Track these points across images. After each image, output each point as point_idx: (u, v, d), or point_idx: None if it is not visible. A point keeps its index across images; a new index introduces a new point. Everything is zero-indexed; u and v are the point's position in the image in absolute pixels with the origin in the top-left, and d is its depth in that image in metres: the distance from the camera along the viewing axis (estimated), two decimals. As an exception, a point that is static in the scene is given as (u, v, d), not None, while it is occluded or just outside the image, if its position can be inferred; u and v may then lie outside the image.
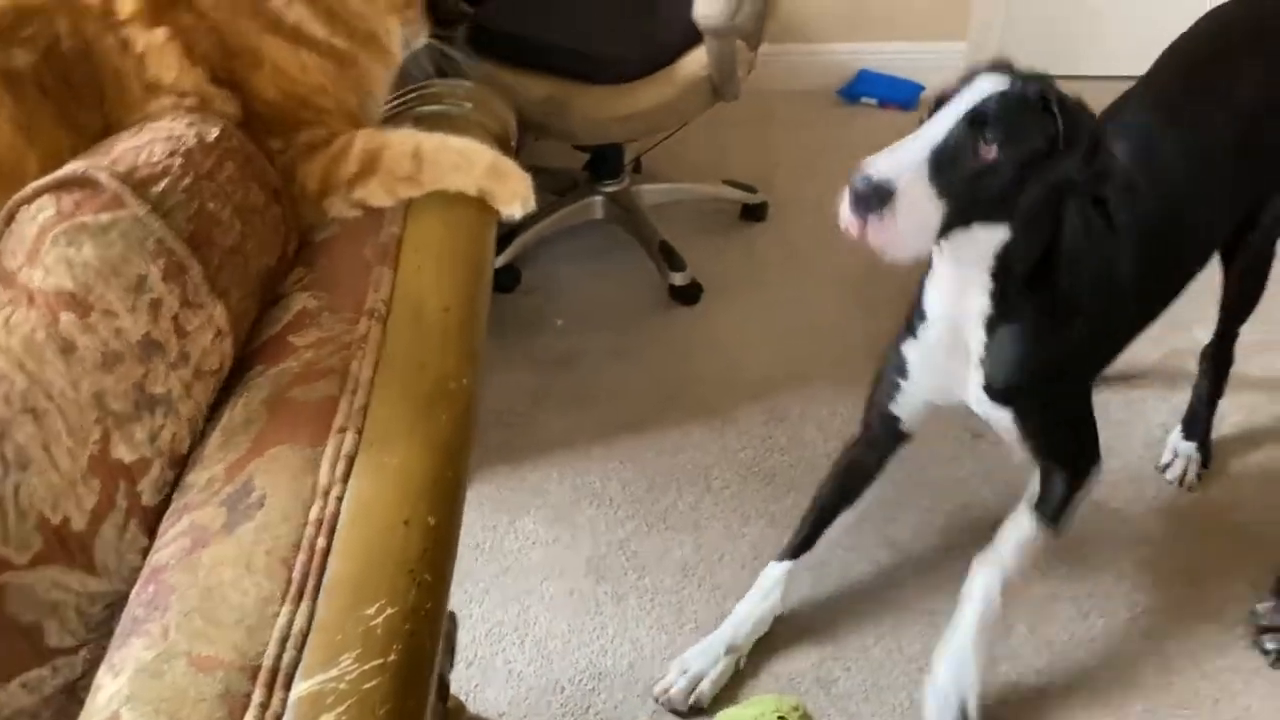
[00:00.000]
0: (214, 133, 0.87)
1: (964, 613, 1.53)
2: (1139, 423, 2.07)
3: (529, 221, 2.37)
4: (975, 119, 1.24)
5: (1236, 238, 1.77)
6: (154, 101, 0.96)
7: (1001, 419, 1.52)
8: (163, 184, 0.79)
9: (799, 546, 1.70)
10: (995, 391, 1.48)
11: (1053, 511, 1.56)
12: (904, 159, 1.23)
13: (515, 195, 1.00)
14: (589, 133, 2.32)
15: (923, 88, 3.17)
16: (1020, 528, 1.56)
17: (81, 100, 0.94)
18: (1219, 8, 1.79)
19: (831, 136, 3.02)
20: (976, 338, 1.45)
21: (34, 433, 0.74)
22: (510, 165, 1.00)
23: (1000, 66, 1.33)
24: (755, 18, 2.33)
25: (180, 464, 0.81)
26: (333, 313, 0.86)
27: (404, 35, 1.10)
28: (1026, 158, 1.27)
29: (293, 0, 1.01)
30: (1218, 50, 1.72)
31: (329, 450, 0.77)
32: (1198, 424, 1.98)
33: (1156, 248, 1.53)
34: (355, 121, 1.04)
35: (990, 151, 1.24)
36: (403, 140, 0.99)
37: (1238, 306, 1.89)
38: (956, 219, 1.27)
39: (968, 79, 1.31)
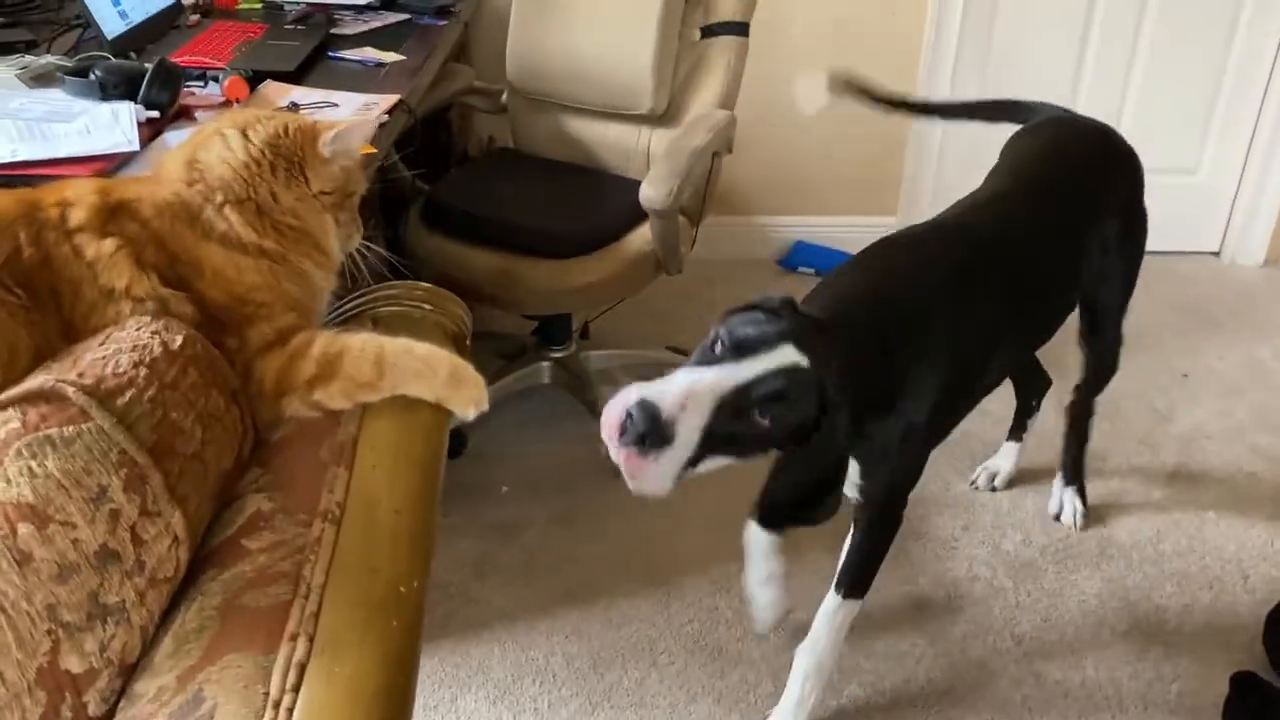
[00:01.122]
0: (178, 340, 0.90)
1: (789, 688, 1.80)
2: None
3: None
4: (759, 393, 1.25)
5: (1087, 331, 2.08)
6: (110, 307, 0.99)
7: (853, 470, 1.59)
8: (128, 395, 0.81)
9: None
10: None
11: (856, 583, 1.74)
12: (692, 406, 1.20)
13: (470, 400, 1.04)
14: (538, 304, 2.39)
15: (857, 259, 3.32)
16: (827, 607, 1.76)
17: (42, 305, 0.97)
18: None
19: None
20: None
21: (-18, 645, 0.74)
22: (468, 371, 1.04)
23: (793, 331, 1.33)
24: (696, 197, 2.45)
25: (129, 672, 0.81)
26: (287, 515, 0.88)
27: (340, 236, 1.16)
28: (793, 428, 1.31)
29: (223, 206, 1.06)
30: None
31: (280, 658, 0.77)
32: (1074, 470, 2.30)
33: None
34: (301, 308, 1.08)
35: (763, 424, 1.26)
36: (364, 345, 1.03)
37: (1093, 384, 2.20)
38: (720, 459, 1.29)
39: (770, 334, 1.31)
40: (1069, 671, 1.93)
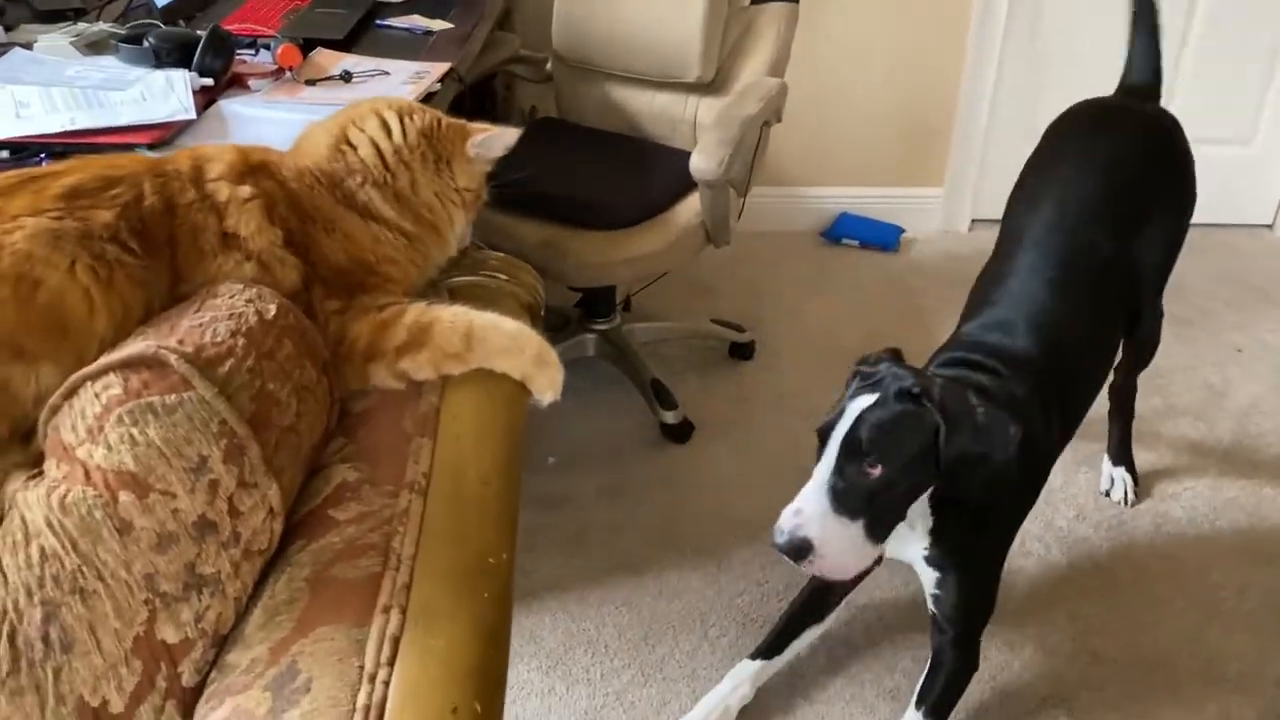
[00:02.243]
0: (272, 310, 0.89)
1: None
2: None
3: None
4: (850, 448, 1.38)
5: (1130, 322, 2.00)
6: (223, 256, 0.99)
7: (932, 578, 1.64)
8: (228, 364, 0.81)
9: (770, 649, 1.82)
10: (932, 559, 1.62)
11: (936, 700, 1.67)
12: (807, 511, 1.38)
13: (551, 384, 1.03)
14: (585, 276, 2.37)
15: (902, 230, 3.28)
16: None
17: (156, 255, 0.97)
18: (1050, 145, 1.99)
19: (815, 276, 3.10)
20: (925, 520, 1.58)
21: (81, 614, 0.74)
22: (551, 354, 1.04)
23: (869, 377, 1.47)
24: (745, 168, 2.42)
25: (221, 643, 0.81)
26: (373, 485, 0.87)
27: (464, 233, 1.17)
28: (910, 459, 1.38)
29: (365, 184, 1.07)
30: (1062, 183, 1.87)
31: (374, 631, 0.77)
32: (1121, 450, 2.28)
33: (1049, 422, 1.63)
34: (412, 291, 1.09)
35: (875, 470, 1.37)
36: (454, 317, 1.02)
37: (1137, 363, 2.19)
38: (885, 524, 1.41)
39: (844, 401, 1.44)
40: (1125, 649, 1.91)
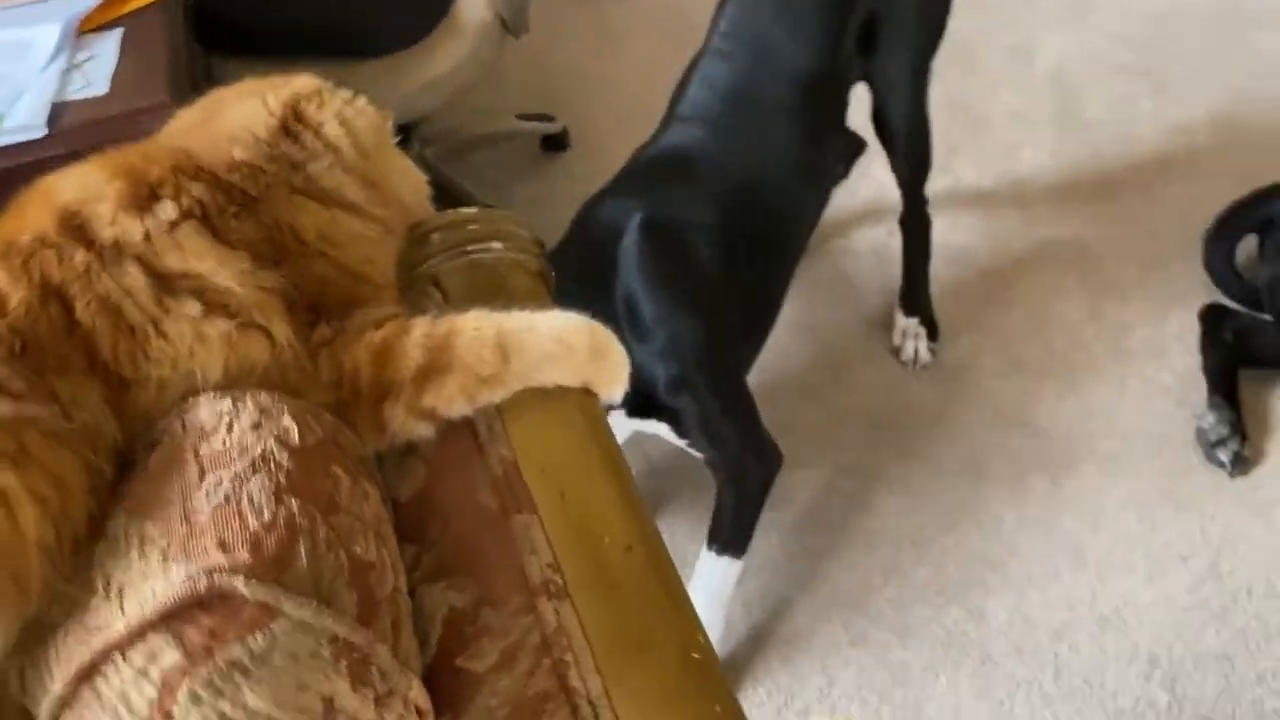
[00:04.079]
0: (293, 428, 0.61)
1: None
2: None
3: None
4: None
5: (880, 121, 1.76)
6: (173, 321, 0.67)
7: (659, 429, 1.49)
8: (302, 553, 0.55)
9: None
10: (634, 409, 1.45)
11: (726, 538, 1.54)
12: None
13: (616, 377, 0.79)
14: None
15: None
16: (701, 567, 1.54)
17: (62, 369, 0.64)
18: None
19: (599, 30, 2.81)
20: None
21: None
22: (606, 336, 0.78)
23: None
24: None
25: None
26: (494, 605, 0.65)
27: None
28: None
29: (335, 167, 0.79)
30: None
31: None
32: (915, 296, 1.90)
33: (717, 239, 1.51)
34: (398, 300, 0.82)
35: None
36: (477, 325, 0.74)
37: (912, 178, 1.84)
38: None
39: None
40: (1041, 356, 1.94)
